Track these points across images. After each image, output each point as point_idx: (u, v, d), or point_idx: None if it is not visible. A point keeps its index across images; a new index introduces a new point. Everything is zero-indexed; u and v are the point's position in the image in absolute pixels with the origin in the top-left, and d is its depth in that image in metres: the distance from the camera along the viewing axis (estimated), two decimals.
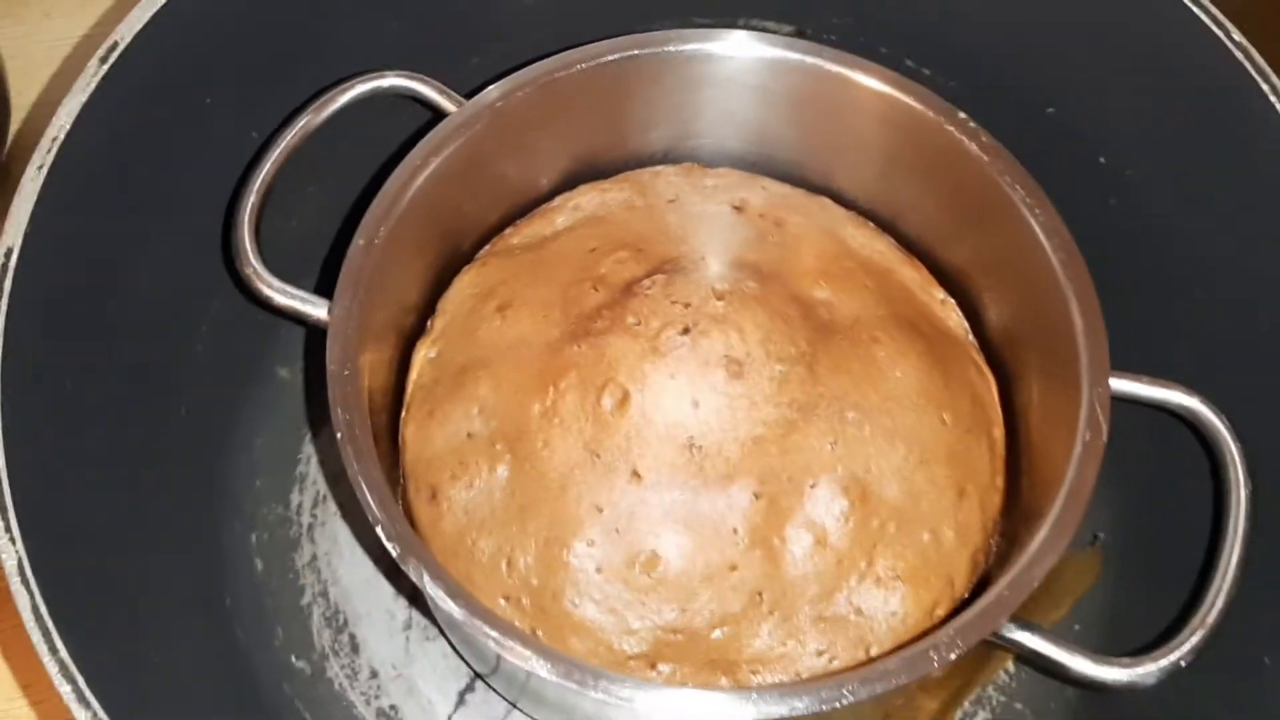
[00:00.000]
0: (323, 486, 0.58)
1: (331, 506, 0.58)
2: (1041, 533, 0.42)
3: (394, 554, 0.41)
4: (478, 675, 0.54)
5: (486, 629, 0.40)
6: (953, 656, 0.40)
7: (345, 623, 0.55)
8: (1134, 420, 0.54)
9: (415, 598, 0.56)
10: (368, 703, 0.54)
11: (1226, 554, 0.42)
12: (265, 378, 0.59)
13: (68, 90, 0.45)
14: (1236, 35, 0.47)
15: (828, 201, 0.55)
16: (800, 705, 0.39)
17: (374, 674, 0.55)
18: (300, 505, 0.58)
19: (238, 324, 0.56)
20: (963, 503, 0.48)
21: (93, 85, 0.45)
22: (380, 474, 0.43)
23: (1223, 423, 0.44)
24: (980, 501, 0.49)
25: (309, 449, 0.59)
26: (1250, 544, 0.42)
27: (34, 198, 0.43)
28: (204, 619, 0.53)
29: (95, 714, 0.38)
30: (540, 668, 0.39)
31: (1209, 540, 0.43)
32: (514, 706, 0.54)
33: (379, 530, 0.41)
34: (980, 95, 0.53)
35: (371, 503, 0.42)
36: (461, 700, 0.54)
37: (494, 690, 0.54)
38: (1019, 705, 0.54)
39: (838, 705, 0.39)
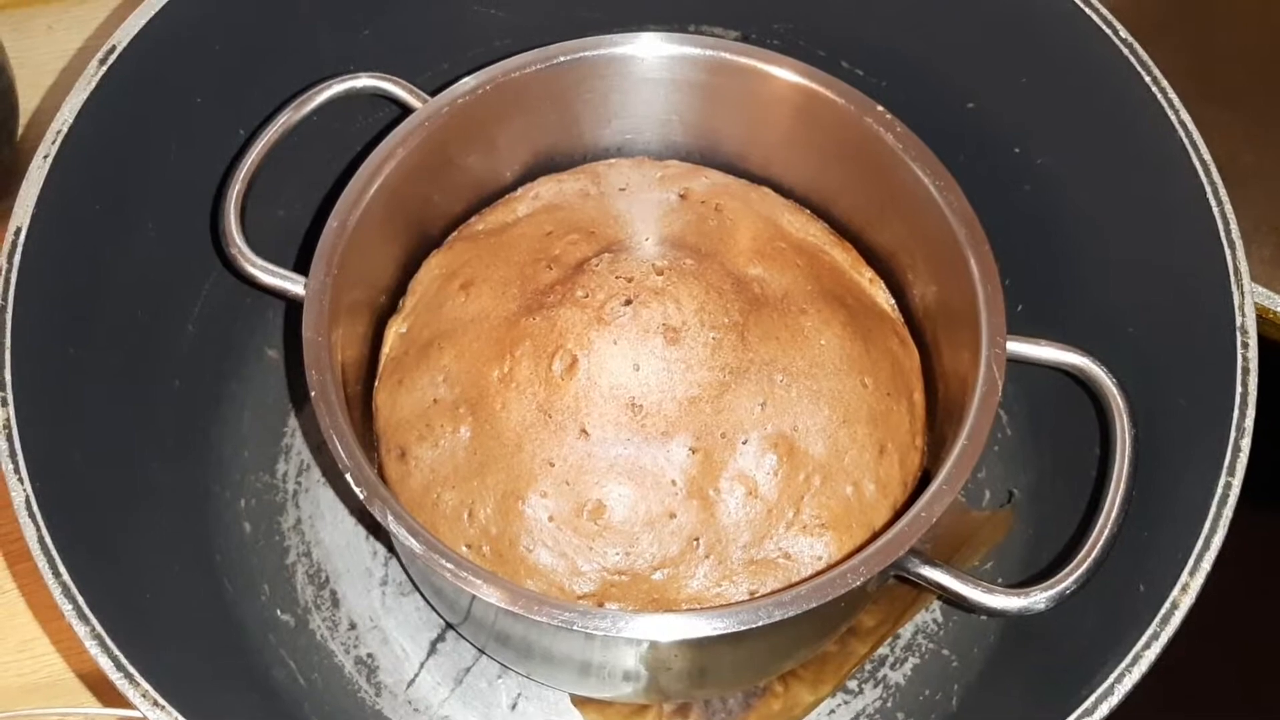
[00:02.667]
0: (307, 457, 0.63)
1: (315, 475, 0.63)
2: (941, 474, 0.46)
3: (361, 496, 0.46)
4: (449, 625, 0.59)
5: (442, 561, 0.45)
6: (858, 583, 0.44)
7: (327, 580, 0.60)
8: (1050, 393, 0.59)
9: (391, 556, 0.61)
10: (347, 651, 0.59)
11: (1111, 495, 0.47)
12: (254, 357, 0.64)
13: (70, 92, 0.50)
14: (1123, 33, 0.52)
15: (768, 190, 0.60)
16: (721, 624, 0.44)
17: (353, 625, 0.59)
18: (285, 474, 0.62)
19: (228, 307, 0.61)
20: (883, 459, 0.53)
21: (93, 84, 0.50)
22: (349, 427, 0.48)
23: (1109, 378, 0.49)
24: (900, 459, 0.54)
25: (294, 423, 0.64)
26: (1131, 486, 0.47)
27: (40, 183, 0.48)
28: (195, 573, 0.57)
29: (94, 629, 0.43)
30: (490, 595, 0.44)
31: (1094, 484, 0.48)
32: (482, 652, 0.58)
33: (349, 477, 0.46)
34: (908, 92, 0.58)
35: (341, 452, 0.47)
36: (433, 649, 0.59)
37: (464, 639, 0.59)
38: (945, 651, 0.59)
39: (756, 625, 0.44)
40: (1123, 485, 0.47)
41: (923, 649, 0.59)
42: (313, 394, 0.48)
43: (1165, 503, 0.48)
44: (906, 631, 0.59)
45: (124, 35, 0.51)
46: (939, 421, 0.56)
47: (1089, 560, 0.46)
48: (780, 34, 0.63)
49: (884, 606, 0.59)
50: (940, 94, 0.61)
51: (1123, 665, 0.43)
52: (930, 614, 0.60)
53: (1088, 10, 0.53)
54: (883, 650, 0.59)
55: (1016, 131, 0.59)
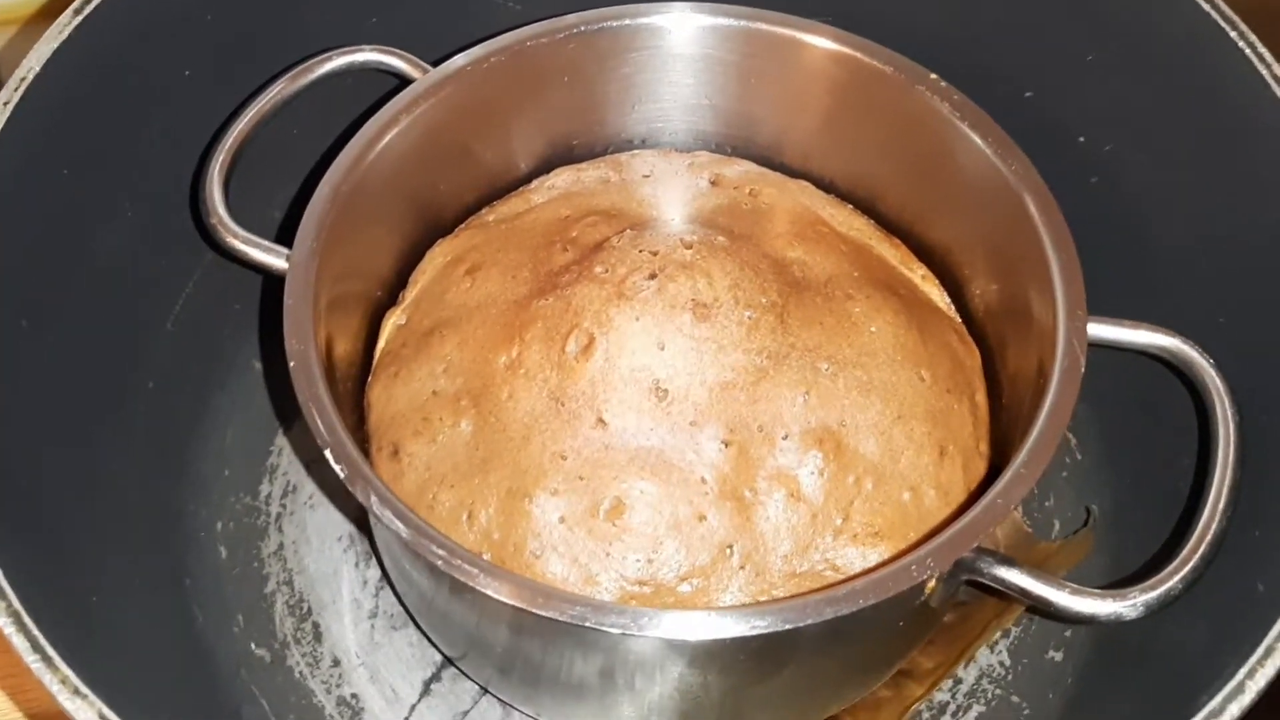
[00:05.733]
0: (293, 477, 0.57)
1: (301, 497, 0.56)
2: (1019, 456, 0.40)
3: (341, 475, 0.40)
4: (448, 660, 0.52)
5: (432, 547, 0.38)
6: (925, 577, 0.37)
7: (309, 611, 0.53)
8: (1126, 408, 0.53)
9: (382, 586, 0.54)
10: (328, 691, 0.52)
11: (1216, 485, 0.40)
12: (240, 369, 0.58)
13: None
14: None
15: (807, 184, 0.55)
16: (761, 623, 0.36)
17: (336, 662, 0.52)
18: (269, 495, 0.56)
19: (215, 311, 0.56)
20: (944, 462, 0.46)
21: (65, 34, 0.46)
22: (331, 402, 0.41)
23: (1206, 359, 0.42)
24: (964, 464, 0.47)
25: (282, 442, 0.58)
26: (1239, 474, 0.40)
27: None
28: (163, 602, 0.51)
29: (45, 654, 0.36)
30: (487, 586, 0.37)
31: (1194, 478, 0.41)
32: (484, 691, 0.51)
33: (328, 454, 0.40)
34: (959, 84, 0.53)
35: (320, 425, 0.40)
36: (427, 690, 0.52)
37: (463, 676, 0.51)
38: (1015, 698, 0.51)
39: (802, 625, 0.37)
40: (1230, 474, 0.40)
41: (989, 695, 0.51)
42: (291, 364, 0.42)
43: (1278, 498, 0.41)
44: (970, 675, 0.52)
45: None
46: (1004, 430, 0.49)
47: (1196, 557, 0.38)
48: (813, 13, 0.59)
49: (942, 646, 0.51)
50: (995, 84, 0.55)
51: (1243, 672, 0.36)
52: (995, 655, 0.52)
53: None
54: (942, 696, 0.51)
55: (1082, 118, 0.54)
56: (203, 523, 0.54)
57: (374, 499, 0.39)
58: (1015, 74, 0.55)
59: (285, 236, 0.47)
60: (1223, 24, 0.46)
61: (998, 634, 0.52)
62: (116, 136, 0.49)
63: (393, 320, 0.51)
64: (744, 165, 0.55)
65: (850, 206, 0.55)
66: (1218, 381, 0.42)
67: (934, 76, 0.49)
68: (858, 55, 0.50)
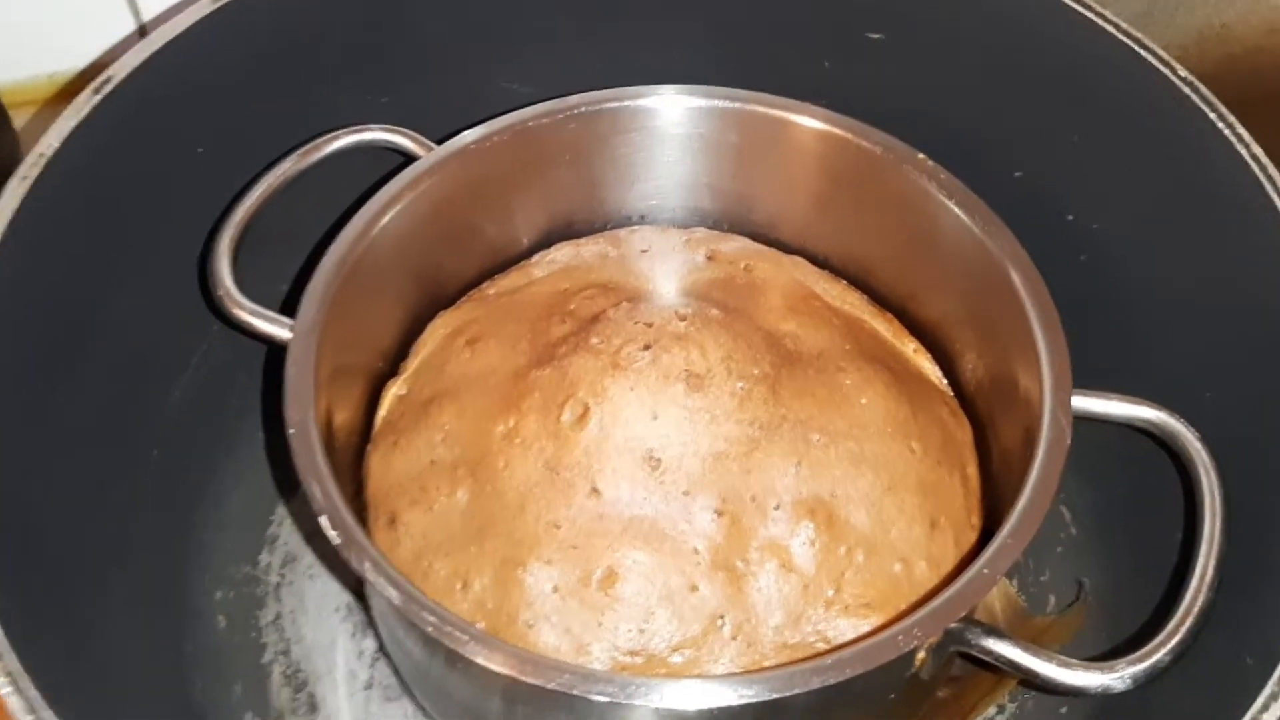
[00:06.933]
0: (293, 547, 0.57)
1: (300, 566, 0.57)
2: (1006, 526, 0.40)
3: (336, 543, 0.40)
4: None
5: (426, 615, 0.38)
6: (913, 646, 0.38)
7: (305, 681, 0.54)
8: (1119, 482, 0.53)
9: (379, 657, 0.54)
10: None
11: (1203, 557, 0.40)
12: (244, 439, 0.59)
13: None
14: (1182, 72, 0.48)
15: (801, 259, 0.56)
16: (749, 692, 0.37)
17: None
18: (269, 565, 0.57)
19: (222, 380, 0.57)
20: (936, 535, 0.47)
21: (84, 112, 0.47)
22: (329, 471, 0.42)
23: (1190, 431, 0.43)
24: (955, 536, 0.48)
25: (283, 511, 0.58)
26: (1224, 547, 0.40)
27: (15, 207, 0.45)
28: (162, 669, 0.51)
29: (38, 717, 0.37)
30: (478, 654, 0.38)
31: (1180, 549, 0.41)
32: None
33: (323, 521, 0.41)
34: (947, 165, 0.55)
35: (318, 493, 0.41)
36: None
37: None
38: None
39: (789, 695, 0.37)
40: (1215, 547, 0.41)
41: None
42: (290, 432, 0.43)
43: (1266, 570, 0.41)
44: None
45: (123, 67, 0.49)
46: (996, 504, 0.49)
47: (1184, 629, 0.39)
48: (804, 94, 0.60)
49: None
50: (983, 164, 0.56)
51: None
52: None
53: (1144, 53, 0.50)
54: None
55: (1069, 196, 0.55)
56: (203, 591, 0.55)
57: (368, 565, 0.40)
58: (1004, 154, 0.56)
59: (292, 308, 0.47)
60: (1203, 106, 0.48)
61: (991, 709, 0.51)
62: (130, 211, 0.50)
63: (393, 391, 0.52)
64: (740, 241, 0.56)
65: (844, 282, 0.56)
66: (1203, 454, 0.43)
67: (922, 156, 0.51)
68: (847, 136, 0.52)
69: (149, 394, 0.53)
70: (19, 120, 0.72)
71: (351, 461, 0.50)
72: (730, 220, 0.57)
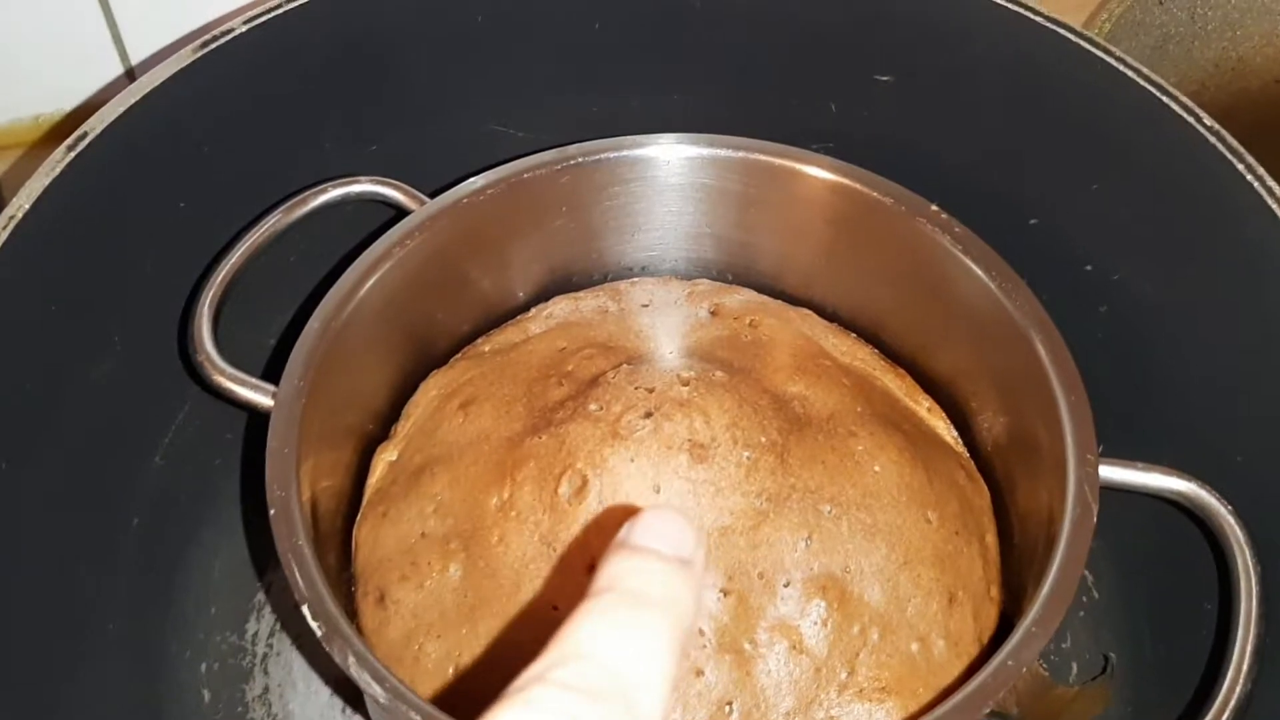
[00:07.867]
0: (282, 614, 0.55)
1: (289, 636, 0.54)
2: (1030, 614, 0.38)
3: (318, 634, 0.38)
4: None
5: (412, 714, 0.36)
6: None
7: None
8: (1144, 545, 0.51)
9: None
10: None
11: (1239, 645, 0.38)
12: (229, 501, 0.56)
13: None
14: (1207, 120, 0.46)
15: (808, 312, 0.54)
16: None
17: None
18: (256, 635, 0.54)
19: (204, 443, 0.55)
20: (954, 610, 0.44)
21: (57, 170, 0.45)
22: (313, 553, 0.40)
23: (1224, 505, 0.41)
24: (974, 611, 0.45)
25: (270, 577, 0.56)
26: (1262, 631, 0.38)
27: None
28: None
29: None
30: None
31: (1217, 625, 0.39)
32: None
33: (304, 611, 0.38)
34: (961, 213, 0.52)
35: (299, 579, 0.39)
36: None
37: None
38: None
39: None
40: (1252, 632, 0.38)
41: None
42: (271, 512, 0.40)
43: None
44: None
45: (99, 122, 0.47)
46: (1016, 572, 0.47)
47: None
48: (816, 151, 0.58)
49: None
50: (998, 212, 0.54)
51: None
52: None
53: (1165, 99, 0.48)
54: None
55: (1088, 246, 0.53)
56: (186, 664, 0.52)
57: (351, 660, 0.37)
58: (1020, 201, 0.54)
59: (278, 364, 0.46)
60: (1230, 156, 0.45)
61: None
62: (108, 270, 0.48)
63: (384, 457, 0.50)
64: (745, 294, 0.54)
65: (853, 335, 0.53)
66: (1238, 531, 0.40)
67: (935, 208, 0.48)
68: (856, 186, 0.50)
69: (130, 458, 0.51)
70: (3, 164, 0.70)
71: (341, 529, 0.48)
72: (734, 270, 0.55)
